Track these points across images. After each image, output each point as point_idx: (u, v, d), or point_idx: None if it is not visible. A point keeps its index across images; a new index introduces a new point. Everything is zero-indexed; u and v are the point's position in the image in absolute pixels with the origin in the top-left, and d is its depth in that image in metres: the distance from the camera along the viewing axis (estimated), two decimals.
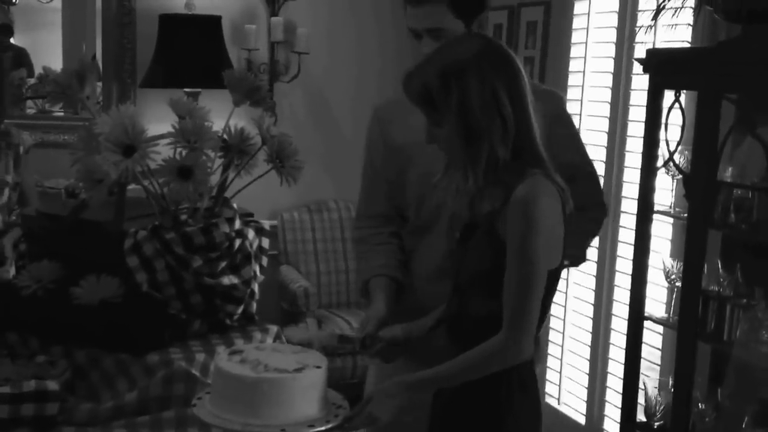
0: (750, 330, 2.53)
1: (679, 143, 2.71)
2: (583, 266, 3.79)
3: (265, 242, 2.44)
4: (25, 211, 2.75)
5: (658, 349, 3.28)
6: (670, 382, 2.74)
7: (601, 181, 3.62)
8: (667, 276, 2.83)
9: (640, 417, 2.89)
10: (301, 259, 4.92)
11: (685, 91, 2.74)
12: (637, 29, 3.44)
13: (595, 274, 3.74)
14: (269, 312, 2.92)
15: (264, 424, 1.81)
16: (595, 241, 3.70)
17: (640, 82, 3.39)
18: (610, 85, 3.67)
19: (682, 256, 2.70)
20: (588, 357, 3.81)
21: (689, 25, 3.09)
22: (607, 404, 3.71)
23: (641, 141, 2.82)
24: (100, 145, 2.10)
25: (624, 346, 2.98)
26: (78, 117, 4.34)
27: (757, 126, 2.47)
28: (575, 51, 3.90)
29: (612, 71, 3.66)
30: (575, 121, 3.86)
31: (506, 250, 1.85)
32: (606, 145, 3.68)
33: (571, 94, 3.91)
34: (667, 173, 2.79)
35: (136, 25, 4.70)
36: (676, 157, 2.70)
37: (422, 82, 1.89)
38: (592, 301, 3.77)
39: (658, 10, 2.75)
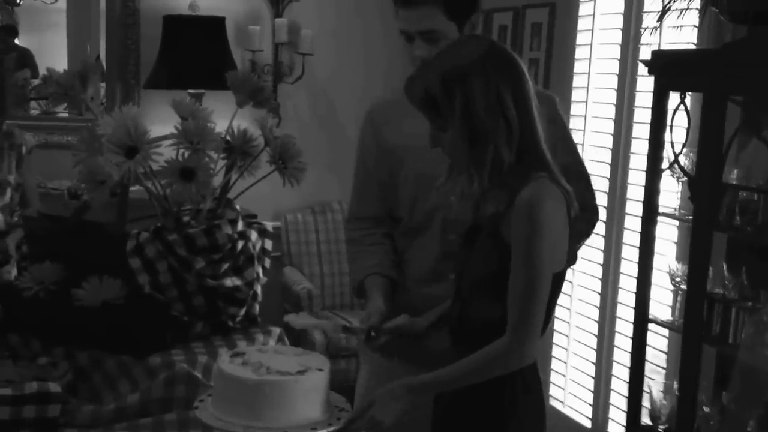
0: (755, 333, 2.52)
1: (684, 145, 2.70)
2: (587, 268, 3.80)
3: (268, 244, 2.43)
4: (26, 212, 2.75)
5: (663, 352, 3.27)
6: (675, 386, 2.73)
7: (606, 183, 3.66)
8: (672, 279, 2.82)
9: (645, 420, 2.88)
10: (305, 260, 4.92)
11: (690, 92, 2.73)
12: (642, 31, 3.43)
13: (600, 276, 3.73)
14: (272, 314, 2.91)
15: (266, 426, 1.80)
16: (600, 244, 3.70)
17: (646, 83, 3.38)
18: (615, 86, 3.66)
19: (687, 258, 2.69)
20: (593, 360, 3.79)
21: (695, 26, 3.08)
22: (611, 407, 3.70)
23: (646, 143, 2.81)
24: (103, 147, 2.09)
25: (629, 349, 2.97)
26: (82, 118, 4.34)
27: (762, 128, 2.46)
28: (580, 52, 3.89)
29: (617, 73, 3.64)
30: (580, 123, 3.86)
31: (510, 253, 1.84)
32: (611, 147, 3.67)
33: (576, 95, 3.90)
34: (672, 175, 2.77)
35: (140, 26, 4.70)
36: (681, 159, 2.69)
37: (425, 87, 1.88)
38: (597, 304, 3.75)
39: (664, 12, 2.75)
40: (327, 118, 5.13)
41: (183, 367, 2.10)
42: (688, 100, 2.68)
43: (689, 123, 2.68)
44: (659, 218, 2.81)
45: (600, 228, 3.71)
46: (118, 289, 2.17)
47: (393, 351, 2.25)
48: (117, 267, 2.18)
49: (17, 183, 3.01)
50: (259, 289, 2.40)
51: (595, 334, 3.78)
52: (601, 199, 3.71)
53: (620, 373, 3.60)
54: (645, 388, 2.87)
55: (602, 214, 3.66)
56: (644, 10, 3.49)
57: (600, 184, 3.73)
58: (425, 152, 2.24)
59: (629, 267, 3.54)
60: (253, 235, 2.35)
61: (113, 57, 4.73)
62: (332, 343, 4.38)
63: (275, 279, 4.40)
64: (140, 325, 2.17)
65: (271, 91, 4.69)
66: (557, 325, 3.98)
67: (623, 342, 3.56)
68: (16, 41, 4.88)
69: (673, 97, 2.68)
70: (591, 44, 3.82)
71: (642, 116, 3.47)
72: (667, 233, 3.17)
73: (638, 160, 3.48)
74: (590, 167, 3.77)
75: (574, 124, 3.90)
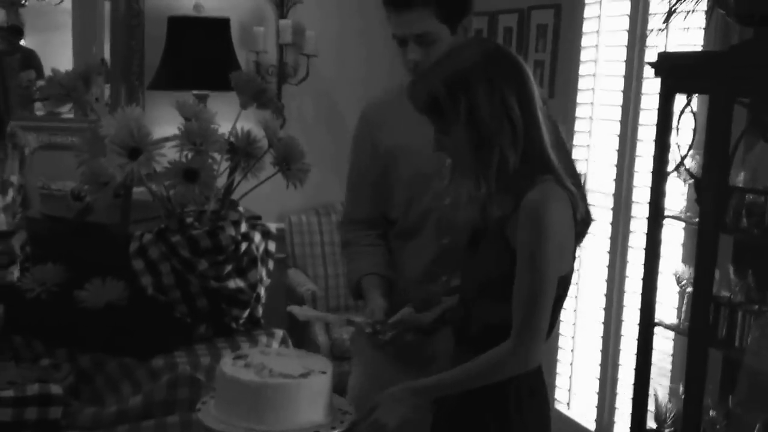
0: (762, 336, 2.51)
1: (690, 147, 2.69)
2: (593, 271, 3.79)
3: (272, 245, 2.42)
4: (29, 213, 2.74)
5: (669, 355, 3.25)
6: (681, 389, 2.72)
7: (612, 185, 3.65)
8: (678, 281, 2.81)
9: (651, 424, 2.87)
10: (309, 262, 4.91)
11: (696, 94, 2.72)
12: (648, 32, 3.42)
13: (605, 278, 3.72)
14: (277, 315, 2.90)
15: (268, 429, 1.79)
16: (606, 246, 3.69)
17: (652, 85, 3.36)
18: (621, 88, 3.64)
19: (693, 261, 2.68)
20: (598, 363, 3.78)
21: (701, 28, 3.07)
22: (617, 410, 3.69)
23: (652, 145, 2.80)
24: (106, 148, 2.08)
25: (634, 352, 2.96)
26: (86, 119, 4.32)
27: None
28: (586, 54, 3.88)
29: (623, 75, 3.63)
30: (586, 125, 3.85)
31: (516, 256, 1.83)
32: (617, 149, 3.66)
33: (582, 97, 3.89)
34: (679, 177, 2.76)
35: (145, 26, 4.70)
36: (688, 161, 2.68)
37: (428, 91, 1.87)
38: (603, 306, 3.74)
39: (670, 14, 2.73)
40: (331, 120, 5.12)
41: (186, 370, 2.10)
42: (694, 102, 2.67)
43: (696, 125, 2.67)
44: (665, 220, 2.80)
45: (606, 230, 3.70)
46: (121, 291, 2.16)
47: (396, 351, 2.25)
48: (120, 268, 2.17)
49: (20, 184, 3.01)
50: (262, 291, 2.39)
51: (600, 337, 3.77)
52: (607, 202, 3.70)
53: (625, 376, 3.59)
54: (650, 391, 2.85)
55: (608, 216, 3.68)
56: (650, 11, 3.48)
57: (606, 186, 3.72)
58: (420, 152, 2.25)
59: (635, 269, 3.53)
60: (257, 236, 2.34)
61: (117, 58, 4.73)
62: (336, 344, 4.37)
63: (279, 280, 4.39)
64: (143, 327, 2.17)
65: (275, 92, 4.69)
66: (562, 327, 3.97)
67: (629, 345, 3.54)
68: (22, 42, 4.87)
69: (680, 99, 2.67)
70: (597, 46, 3.81)
71: (648, 118, 3.45)
72: (674, 236, 3.16)
73: (644, 163, 3.47)
74: (596, 169, 3.79)
75: (579, 126, 3.90)
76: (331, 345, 4.38)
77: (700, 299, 2.60)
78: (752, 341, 2.52)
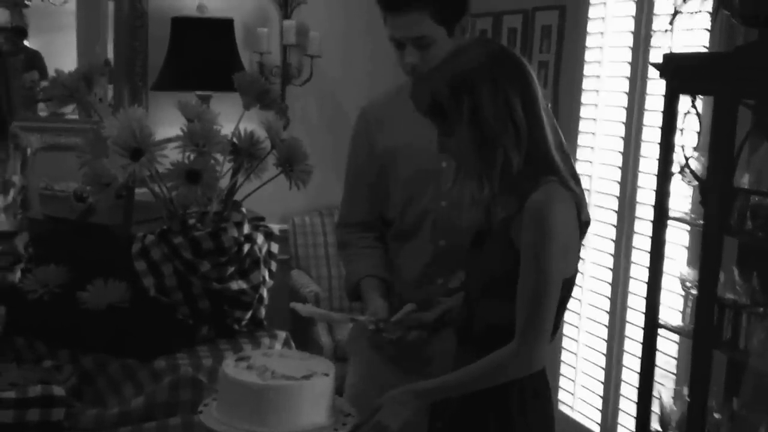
0: (766, 339, 2.50)
1: (695, 149, 2.68)
2: (597, 273, 3.78)
3: (275, 247, 2.42)
4: (30, 214, 2.74)
5: (674, 357, 3.24)
6: (685, 391, 2.71)
7: (616, 186, 3.64)
8: (683, 283, 2.80)
9: (655, 426, 2.87)
10: (312, 263, 4.90)
11: (701, 96, 2.71)
12: (653, 34, 3.41)
13: (610, 281, 3.71)
14: (280, 317, 2.90)
15: (270, 431, 1.79)
16: (610, 248, 3.68)
17: (656, 86, 3.35)
18: (626, 89, 3.63)
19: (698, 263, 2.67)
20: (602, 365, 3.77)
21: (706, 29, 3.06)
22: (621, 413, 3.67)
23: (657, 146, 2.79)
24: (108, 149, 2.08)
25: (639, 354, 2.95)
26: (90, 120, 4.33)
27: None
28: (590, 55, 3.87)
29: (628, 76, 3.62)
30: (591, 126, 3.84)
31: (520, 257, 1.82)
32: (621, 150, 3.65)
33: (586, 98, 3.88)
34: (683, 179, 2.76)
35: (148, 27, 4.70)
36: (692, 162, 2.67)
37: (431, 93, 1.86)
38: (607, 309, 3.73)
39: (675, 15, 2.73)
40: (335, 121, 5.11)
41: (188, 371, 2.10)
42: (699, 103, 2.66)
43: (700, 126, 2.66)
44: (670, 222, 2.79)
45: (610, 232, 3.69)
46: (123, 292, 2.16)
47: (394, 352, 2.25)
48: (122, 270, 2.17)
49: (21, 185, 3.01)
50: (265, 292, 2.39)
51: (604, 339, 3.76)
52: (612, 203, 3.69)
53: (630, 378, 3.58)
54: (655, 393, 2.85)
55: (612, 217, 3.67)
56: (655, 13, 3.47)
57: (610, 187, 3.71)
58: (418, 153, 2.25)
59: (639, 271, 3.51)
60: (260, 238, 2.34)
61: (121, 59, 4.73)
62: (340, 346, 4.36)
63: (283, 282, 4.38)
64: (145, 329, 2.16)
65: (278, 93, 4.69)
66: (567, 329, 3.96)
67: (633, 347, 3.53)
68: (26, 43, 4.88)
69: (684, 101, 2.66)
70: (601, 47, 3.80)
71: (653, 120, 3.44)
72: (678, 237, 3.15)
73: (649, 164, 3.46)
74: (600, 171, 3.78)
75: (583, 126, 3.89)
76: (335, 346, 4.38)
77: (704, 301, 2.59)
78: (757, 343, 2.52)
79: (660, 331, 2.85)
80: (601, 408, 3.79)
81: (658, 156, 2.79)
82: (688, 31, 3.09)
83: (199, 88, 4.41)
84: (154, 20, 4.68)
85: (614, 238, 3.67)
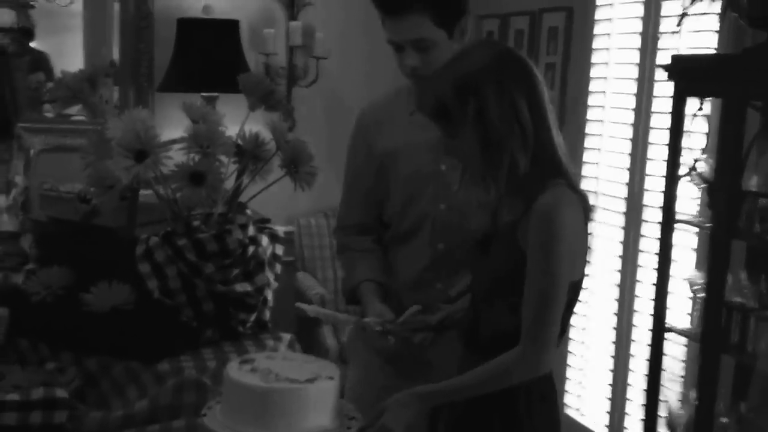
0: None
1: (702, 151, 2.67)
2: (604, 276, 3.77)
3: (279, 249, 2.41)
4: (34, 215, 2.74)
5: (681, 361, 3.23)
6: (693, 395, 2.70)
7: (624, 189, 3.62)
8: (691, 287, 2.79)
9: (662, 430, 2.85)
10: (318, 265, 4.89)
11: (709, 98, 2.70)
12: (660, 35, 3.40)
13: (617, 283, 3.70)
14: (285, 319, 2.89)
15: None
16: (618, 251, 3.66)
17: (664, 88, 3.34)
18: (634, 91, 3.62)
19: (706, 266, 2.65)
20: (610, 368, 3.76)
21: (714, 31, 3.05)
22: (628, 416, 3.66)
23: (664, 149, 2.78)
24: (112, 150, 2.07)
25: (646, 357, 2.94)
26: (95, 121, 4.32)
27: None
28: (597, 57, 3.85)
29: (635, 78, 3.61)
30: (598, 128, 3.83)
31: (526, 260, 1.81)
32: (629, 152, 3.63)
33: (593, 100, 3.87)
34: (691, 181, 2.74)
35: (154, 28, 4.70)
36: (700, 165, 2.66)
37: (436, 95, 1.85)
38: (614, 312, 3.72)
39: (683, 16, 2.72)
40: (341, 122, 5.09)
41: (192, 374, 2.09)
42: (706, 105, 2.65)
43: (708, 129, 2.65)
44: (677, 225, 2.78)
45: (617, 235, 3.68)
46: (127, 294, 2.15)
47: (394, 354, 2.24)
48: (126, 272, 2.16)
49: (24, 186, 3.01)
50: (269, 294, 2.38)
51: (612, 342, 3.74)
52: (619, 206, 3.68)
53: (637, 381, 3.57)
54: (662, 397, 2.83)
55: (620, 220, 3.65)
56: (663, 14, 3.45)
57: (617, 190, 3.70)
58: (416, 154, 2.25)
59: (647, 274, 3.50)
60: (264, 240, 2.33)
61: (126, 60, 4.73)
62: (345, 349, 4.35)
63: (288, 284, 4.37)
64: (149, 331, 2.15)
65: (284, 94, 4.67)
66: (573, 332, 3.95)
67: (640, 350, 3.52)
68: (32, 44, 4.88)
69: (692, 103, 2.65)
70: (608, 49, 3.79)
71: (660, 122, 3.43)
72: (686, 240, 3.13)
73: (656, 166, 3.45)
74: (607, 173, 3.77)
75: (591, 129, 3.88)
76: (340, 348, 4.36)
77: (712, 305, 2.58)
78: (765, 347, 2.50)
79: (667, 334, 2.84)
80: (608, 411, 3.78)
81: (665, 158, 2.78)
82: (696, 32, 3.08)
83: (205, 90, 4.41)
84: (160, 21, 4.68)
85: (622, 241, 3.66)
